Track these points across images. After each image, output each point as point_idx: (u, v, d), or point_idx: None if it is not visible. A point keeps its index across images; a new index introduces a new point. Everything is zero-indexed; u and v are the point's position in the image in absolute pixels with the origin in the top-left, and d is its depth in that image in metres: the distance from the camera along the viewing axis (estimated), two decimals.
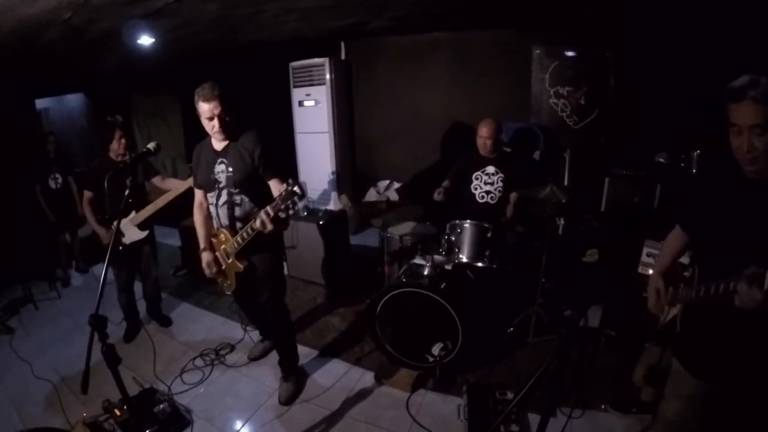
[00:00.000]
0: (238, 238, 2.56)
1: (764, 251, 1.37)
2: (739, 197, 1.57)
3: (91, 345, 1.66)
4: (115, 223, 3.52)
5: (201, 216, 2.90)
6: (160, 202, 3.58)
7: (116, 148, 3.50)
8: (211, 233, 2.86)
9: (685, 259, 1.99)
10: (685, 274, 1.83)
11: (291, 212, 2.22)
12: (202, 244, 2.86)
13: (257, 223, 2.33)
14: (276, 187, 2.54)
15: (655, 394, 2.27)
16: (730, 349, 1.63)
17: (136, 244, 3.68)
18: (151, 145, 2.27)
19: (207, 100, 2.46)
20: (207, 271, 2.84)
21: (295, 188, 2.15)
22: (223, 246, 2.75)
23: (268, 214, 2.26)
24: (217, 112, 2.48)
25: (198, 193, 2.90)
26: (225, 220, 2.68)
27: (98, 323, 1.69)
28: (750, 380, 1.68)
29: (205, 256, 2.81)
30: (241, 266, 2.70)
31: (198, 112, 2.54)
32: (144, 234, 3.67)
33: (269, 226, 2.30)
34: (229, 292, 2.92)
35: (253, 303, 3.08)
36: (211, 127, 2.54)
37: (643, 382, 2.32)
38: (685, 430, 1.83)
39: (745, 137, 1.44)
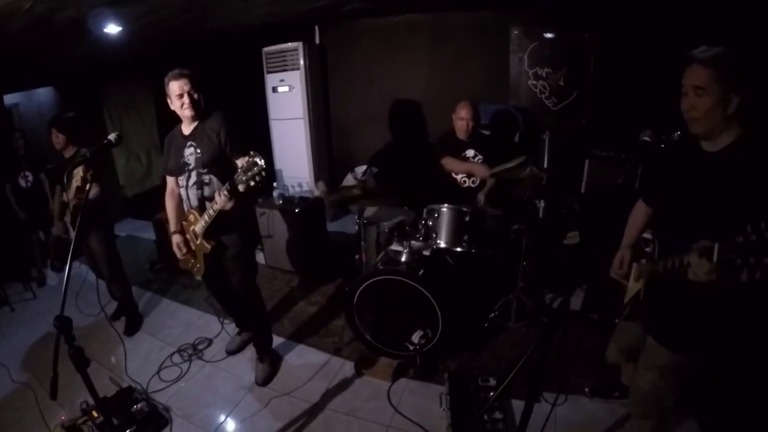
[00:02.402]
0: (206, 216, 2.64)
1: (716, 221, 1.47)
2: (695, 170, 1.66)
3: (57, 348, 1.60)
4: (66, 219, 3.53)
5: (172, 201, 2.97)
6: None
7: (54, 143, 3.49)
8: (181, 218, 2.92)
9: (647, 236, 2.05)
10: (647, 249, 1.91)
11: (253, 183, 2.26)
12: (173, 227, 2.95)
13: (218, 200, 2.48)
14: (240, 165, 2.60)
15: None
16: (689, 319, 1.72)
17: (81, 240, 3.55)
18: (111, 136, 2.18)
19: (176, 78, 2.60)
20: (177, 253, 2.92)
21: (257, 159, 2.22)
22: (192, 227, 2.80)
23: (228, 189, 2.40)
24: (186, 88, 2.60)
25: (170, 181, 2.95)
26: (195, 201, 2.75)
27: (63, 325, 1.62)
28: (712, 349, 1.79)
29: (175, 238, 2.90)
30: (208, 246, 2.74)
31: (168, 94, 2.65)
32: (71, 231, 3.57)
33: (229, 203, 2.46)
34: (199, 277, 2.97)
35: (225, 288, 3.08)
36: (180, 104, 2.63)
37: (619, 356, 2.33)
38: (661, 400, 1.91)
39: (689, 98, 1.57)
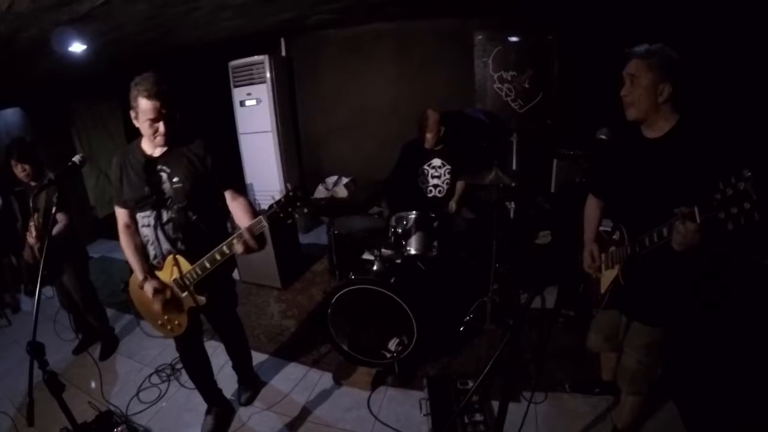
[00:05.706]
0: (205, 264, 2.11)
1: (667, 200, 1.58)
2: (638, 157, 1.83)
3: (32, 374, 1.61)
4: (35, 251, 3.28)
5: (131, 241, 2.30)
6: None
7: (22, 177, 3.23)
8: (146, 261, 2.29)
9: (607, 228, 2.18)
10: (614, 237, 2.01)
11: (290, 220, 1.90)
12: (140, 275, 2.24)
13: (238, 246, 1.99)
14: (230, 197, 2.26)
15: (615, 371, 2.41)
16: (667, 291, 1.85)
17: (52, 265, 3.38)
18: (76, 158, 2.10)
19: (151, 96, 1.98)
20: (157, 304, 2.23)
21: (298, 193, 1.87)
22: (173, 277, 2.21)
23: (252, 232, 1.97)
24: (164, 111, 2.03)
25: (121, 215, 2.32)
26: (166, 245, 2.22)
27: (36, 350, 1.62)
28: (690, 318, 1.96)
29: (149, 285, 2.21)
30: (203, 299, 2.23)
31: (136, 110, 2.05)
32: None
33: (254, 245, 1.99)
34: (172, 335, 2.43)
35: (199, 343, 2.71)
36: (154, 129, 2.06)
37: (605, 345, 2.40)
38: (649, 376, 2.07)
39: (626, 86, 1.78)
